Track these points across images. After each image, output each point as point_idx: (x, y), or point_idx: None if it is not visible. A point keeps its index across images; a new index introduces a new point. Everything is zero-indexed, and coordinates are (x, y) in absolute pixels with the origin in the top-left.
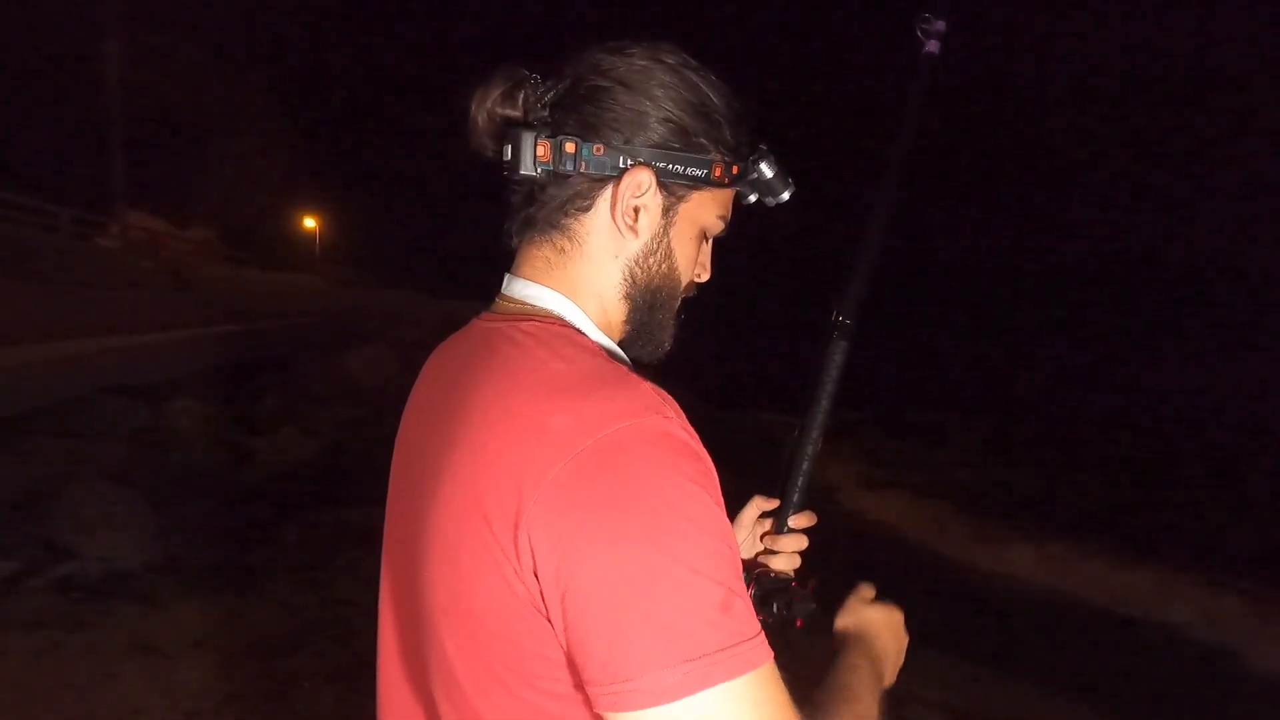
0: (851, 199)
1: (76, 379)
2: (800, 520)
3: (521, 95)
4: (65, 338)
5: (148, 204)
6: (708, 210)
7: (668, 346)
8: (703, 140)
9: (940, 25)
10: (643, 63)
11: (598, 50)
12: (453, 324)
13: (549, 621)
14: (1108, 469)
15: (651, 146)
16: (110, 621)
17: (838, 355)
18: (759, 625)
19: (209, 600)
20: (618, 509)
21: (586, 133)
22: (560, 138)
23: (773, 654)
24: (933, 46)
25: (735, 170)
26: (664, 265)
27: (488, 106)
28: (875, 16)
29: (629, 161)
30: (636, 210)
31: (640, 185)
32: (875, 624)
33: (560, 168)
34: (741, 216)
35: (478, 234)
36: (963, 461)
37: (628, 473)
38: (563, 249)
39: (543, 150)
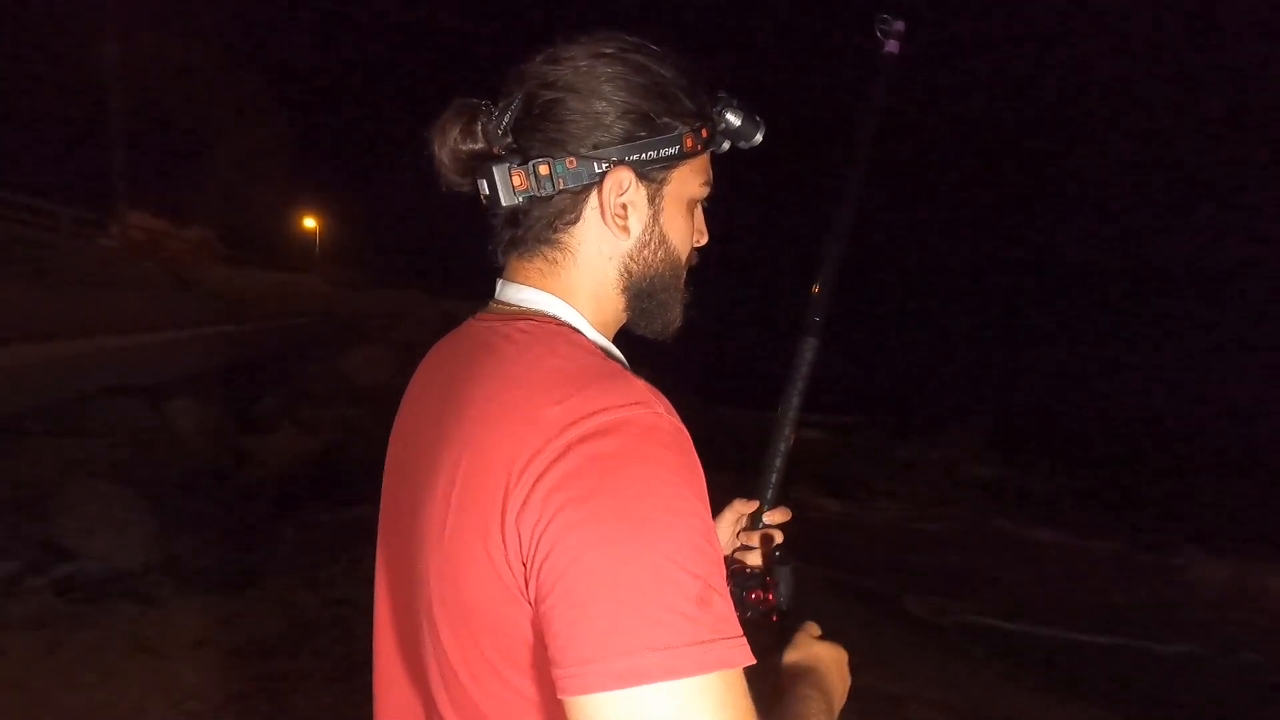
0: (828, 194)
1: (76, 379)
2: (775, 516)
3: (479, 127)
4: (65, 338)
5: (148, 204)
6: (689, 182)
7: (679, 322)
8: (666, 119)
9: (899, 25)
10: (585, 63)
11: (539, 62)
12: (453, 324)
13: (532, 608)
14: (1110, 466)
15: (620, 144)
16: (110, 621)
17: (807, 352)
18: (739, 628)
19: (209, 600)
20: (600, 496)
21: (554, 150)
22: (532, 162)
23: (750, 660)
24: (892, 46)
25: (705, 133)
26: (660, 251)
27: (450, 146)
28: (847, 12)
29: (604, 165)
30: (625, 208)
31: (621, 184)
32: (824, 660)
33: (539, 191)
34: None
35: (478, 234)
36: (963, 460)
37: (613, 462)
38: (554, 260)
39: (519, 180)
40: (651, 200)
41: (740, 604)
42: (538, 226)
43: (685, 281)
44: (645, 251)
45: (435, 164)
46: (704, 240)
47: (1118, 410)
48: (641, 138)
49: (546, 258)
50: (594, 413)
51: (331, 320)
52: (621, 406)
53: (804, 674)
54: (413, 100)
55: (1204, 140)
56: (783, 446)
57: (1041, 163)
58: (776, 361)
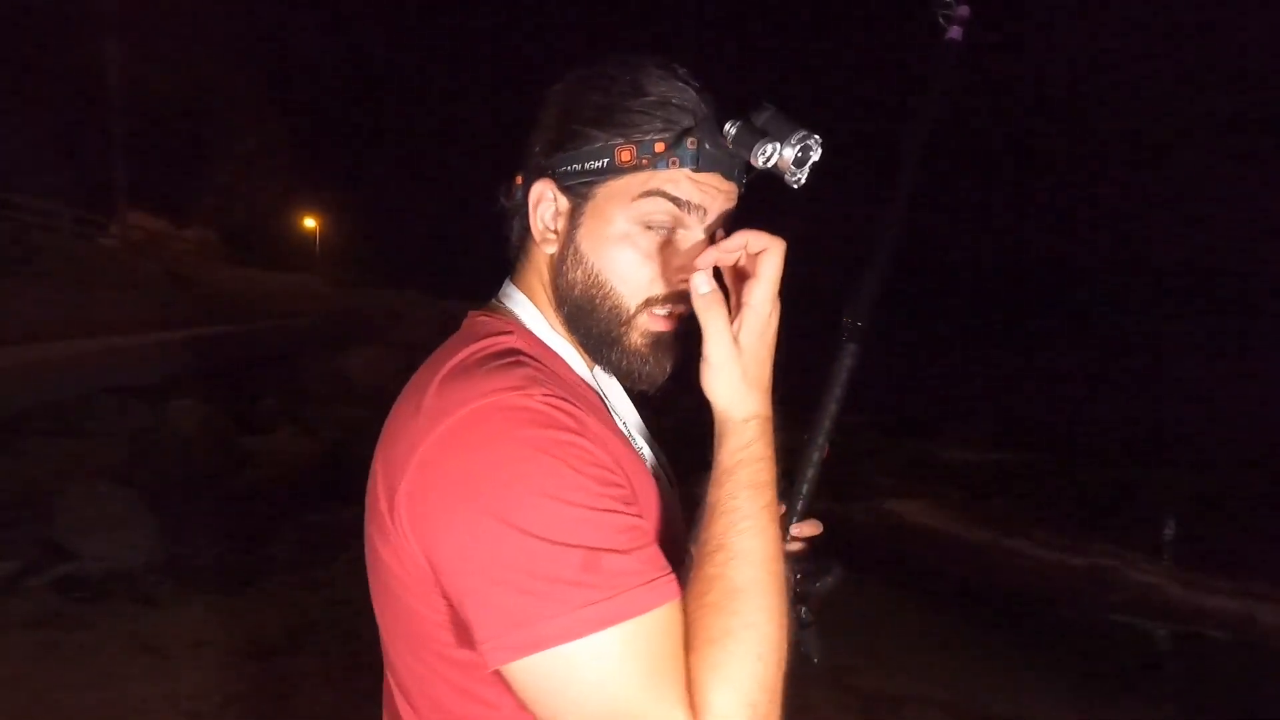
0: (873, 190)
1: (76, 379)
2: (804, 529)
3: None
4: (65, 338)
5: (148, 204)
6: (618, 202)
7: (648, 371)
8: (593, 130)
9: (964, 10)
10: (564, 84)
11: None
12: (452, 324)
13: (431, 588)
14: (1110, 468)
15: (550, 155)
16: (110, 621)
17: (847, 359)
18: (646, 574)
19: (209, 600)
20: (468, 482)
21: (526, 160)
22: (516, 173)
23: (669, 597)
24: (955, 33)
25: (659, 147)
26: (578, 271)
27: None
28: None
29: (534, 176)
30: (545, 221)
31: (539, 195)
32: (748, 370)
33: (514, 199)
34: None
35: (478, 234)
36: (965, 462)
37: (479, 447)
38: (523, 264)
39: (511, 187)
40: (572, 214)
41: None
42: (516, 231)
43: (654, 328)
44: (564, 267)
45: None
46: (683, 283)
47: (1120, 414)
48: (569, 149)
49: (519, 261)
50: (464, 400)
51: (331, 320)
52: (491, 393)
53: (730, 426)
54: (413, 101)
55: (1210, 142)
56: (816, 457)
57: (1051, 162)
58: (794, 366)
